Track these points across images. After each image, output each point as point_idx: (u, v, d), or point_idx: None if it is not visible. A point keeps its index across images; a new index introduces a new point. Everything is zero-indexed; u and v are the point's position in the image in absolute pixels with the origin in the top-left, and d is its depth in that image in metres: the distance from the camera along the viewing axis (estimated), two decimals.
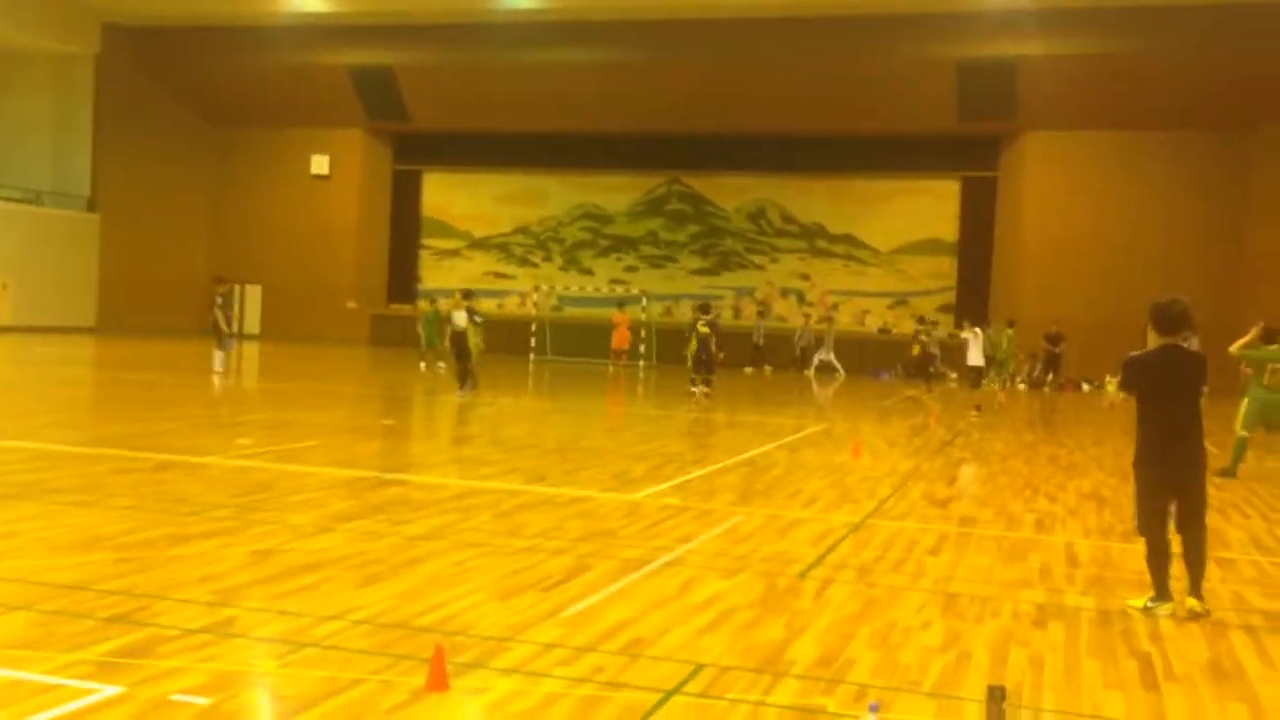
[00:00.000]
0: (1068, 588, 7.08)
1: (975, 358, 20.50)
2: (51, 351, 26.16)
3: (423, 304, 27.31)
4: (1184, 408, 6.52)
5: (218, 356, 21.35)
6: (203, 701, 4.48)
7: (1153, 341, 6.66)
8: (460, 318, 19.35)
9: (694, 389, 19.42)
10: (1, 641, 5.08)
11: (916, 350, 25.34)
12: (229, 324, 22.90)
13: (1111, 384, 24.98)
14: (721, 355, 20.76)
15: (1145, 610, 6.41)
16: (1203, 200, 30.57)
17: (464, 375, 18.92)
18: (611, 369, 29.97)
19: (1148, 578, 6.60)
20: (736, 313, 35.08)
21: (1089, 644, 5.85)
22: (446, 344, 21.80)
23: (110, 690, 4.54)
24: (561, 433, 15.66)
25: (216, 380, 20.36)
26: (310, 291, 37.70)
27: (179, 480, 9.63)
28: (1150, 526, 6.56)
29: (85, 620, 5.46)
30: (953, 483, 11.70)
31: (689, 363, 20.22)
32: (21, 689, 4.51)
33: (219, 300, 22.27)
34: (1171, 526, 6.58)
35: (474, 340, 19.22)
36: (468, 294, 20.05)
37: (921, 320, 27.28)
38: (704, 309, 20.73)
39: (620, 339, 31.01)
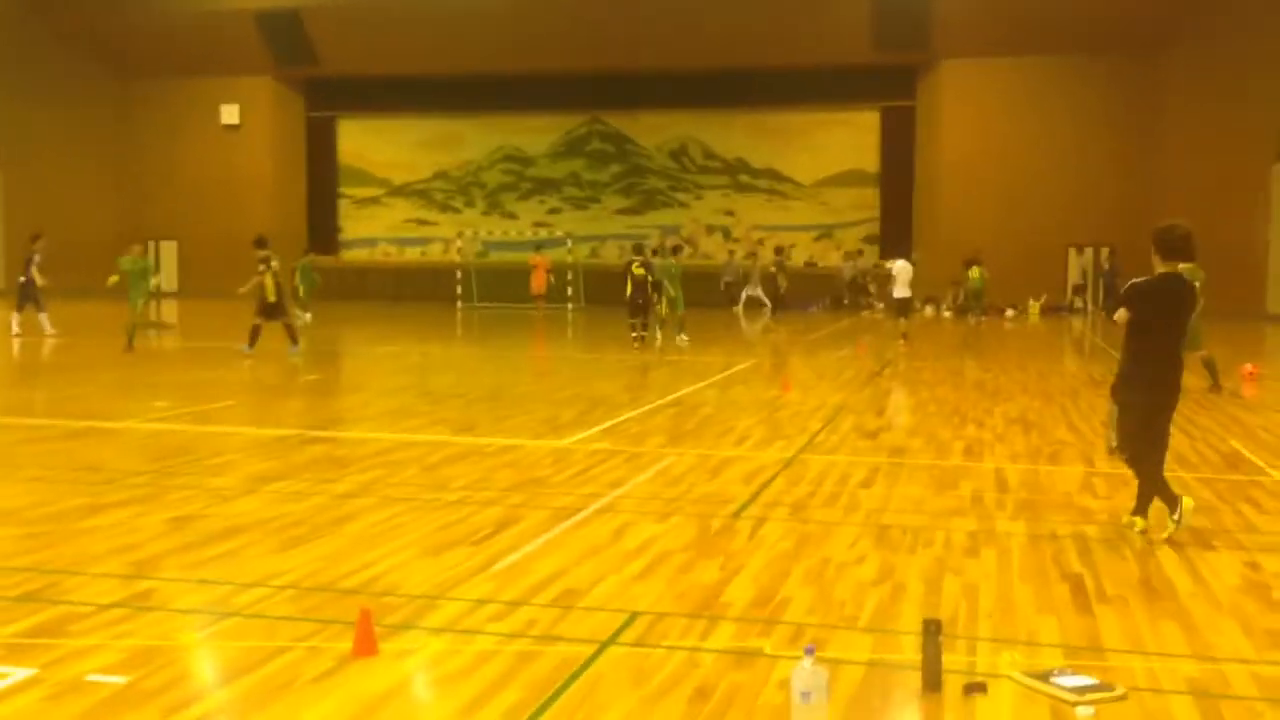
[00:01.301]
0: (998, 514, 7.13)
1: (902, 289, 20.62)
2: None
3: (305, 259, 26.92)
4: (1177, 335, 6.58)
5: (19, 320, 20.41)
6: (119, 680, 4.29)
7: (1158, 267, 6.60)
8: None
9: (633, 333, 19.23)
10: None
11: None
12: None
13: (1035, 307, 25.58)
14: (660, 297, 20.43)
15: (1175, 523, 6.38)
16: (1115, 125, 30.96)
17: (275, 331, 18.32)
18: (536, 313, 29.70)
19: (1084, 501, 6.66)
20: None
21: (1021, 569, 5.89)
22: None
23: (21, 673, 4.34)
24: (489, 380, 15.46)
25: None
26: (227, 245, 36.60)
27: (92, 447, 9.30)
28: (1139, 446, 6.57)
29: None
30: (882, 413, 11.76)
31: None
32: None
33: (35, 258, 21.15)
34: None
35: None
36: (260, 243, 18.40)
37: (849, 254, 27.59)
38: (637, 249, 20.50)
39: (539, 282, 30.72)
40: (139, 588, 5.46)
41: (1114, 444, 6.77)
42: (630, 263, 19.73)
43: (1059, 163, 31.12)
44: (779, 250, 29.87)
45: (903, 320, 20.77)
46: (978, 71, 31.74)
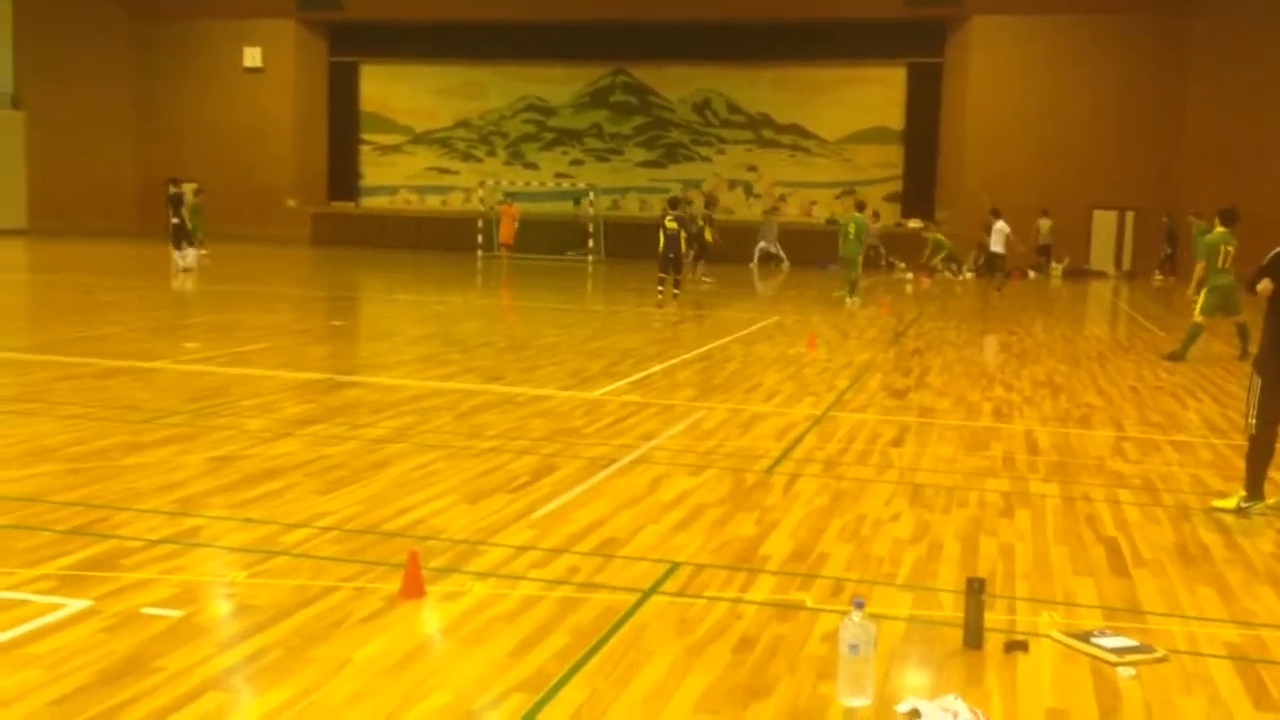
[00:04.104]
0: (1031, 475, 7.16)
1: (997, 246, 22.22)
2: None
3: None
4: None
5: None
6: (174, 614, 4.38)
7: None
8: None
9: (660, 288, 19.06)
10: None
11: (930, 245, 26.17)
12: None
13: (1057, 270, 25.30)
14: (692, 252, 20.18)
15: (1239, 511, 6.21)
16: (1145, 83, 30.56)
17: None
18: (503, 262, 29.49)
19: (1116, 465, 6.67)
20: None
21: (1056, 531, 5.92)
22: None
23: (77, 604, 4.43)
24: (514, 330, 15.50)
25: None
26: (248, 190, 36.68)
27: (127, 386, 9.39)
28: (1268, 424, 6.19)
29: (43, 534, 5.31)
30: (909, 373, 11.76)
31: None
32: None
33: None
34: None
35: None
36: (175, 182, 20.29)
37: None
38: (672, 204, 20.22)
39: (507, 231, 30.59)
40: (186, 525, 5.54)
41: (1254, 429, 6.26)
42: (664, 215, 19.45)
43: (1086, 123, 30.77)
44: (709, 201, 29.05)
45: (997, 275, 22.23)
46: (1008, 28, 31.35)
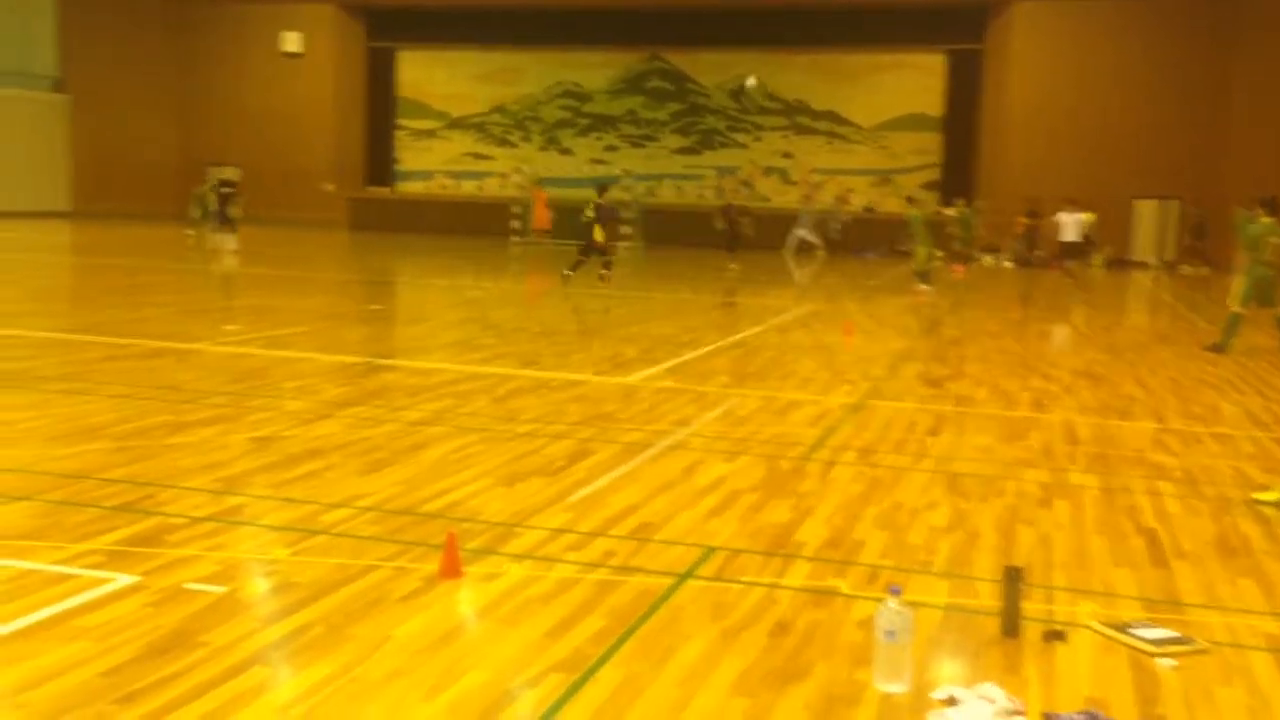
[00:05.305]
0: (1070, 466, 7.12)
1: (1071, 235, 22.89)
2: (27, 237, 25.68)
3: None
4: None
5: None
6: (218, 590, 4.45)
7: None
8: None
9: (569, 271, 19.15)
10: (8, 532, 5.03)
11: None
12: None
13: (1097, 259, 24.99)
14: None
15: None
16: (1188, 70, 30.15)
17: None
18: (540, 247, 29.48)
19: (1157, 457, 6.62)
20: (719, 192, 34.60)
21: (1095, 522, 5.89)
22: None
23: (124, 579, 4.51)
24: (548, 316, 15.55)
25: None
26: (286, 174, 36.97)
27: (170, 367, 9.51)
28: None
29: (91, 510, 5.40)
30: (945, 362, 11.70)
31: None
32: (34, 579, 4.47)
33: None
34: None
35: None
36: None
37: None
38: (599, 191, 20.03)
39: (541, 217, 30.62)
40: (229, 503, 5.62)
41: None
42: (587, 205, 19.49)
43: (1129, 109, 30.40)
44: (601, 188, 28.33)
45: (1070, 263, 22.62)
46: (1050, 13, 31.00)
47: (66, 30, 35.26)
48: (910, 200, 24.34)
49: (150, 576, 4.55)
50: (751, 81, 25.11)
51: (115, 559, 4.74)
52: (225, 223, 23.83)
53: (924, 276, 19.61)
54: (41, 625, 4.03)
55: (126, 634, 3.98)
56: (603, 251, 19.14)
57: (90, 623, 4.07)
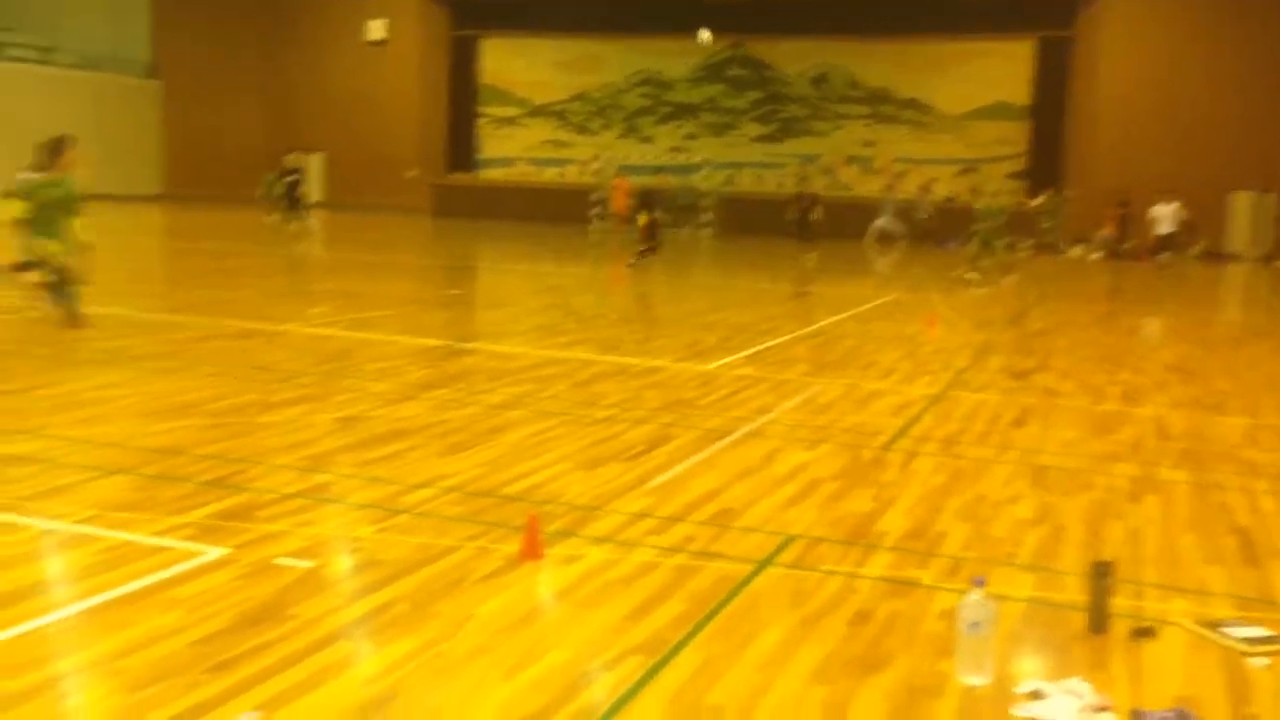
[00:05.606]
0: (1161, 461, 6.95)
1: (1166, 226, 22.60)
2: (121, 220, 26.42)
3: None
4: None
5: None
6: (306, 565, 4.55)
7: None
8: None
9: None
10: (107, 504, 5.19)
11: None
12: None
13: (1195, 250, 24.48)
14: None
15: None
16: None
17: None
18: (615, 233, 29.51)
19: (1250, 454, 6.45)
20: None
21: (1186, 518, 5.75)
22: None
23: (215, 552, 4.63)
24: (627, 302, 15.59)
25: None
26: (370, 160, 37.54)
27: (260, 347, 9.73)
28: None
29: (184, 484, 5.55)
30: (1031, 354, 11.50)
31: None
32: (131, 550, 4.62)
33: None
34: None
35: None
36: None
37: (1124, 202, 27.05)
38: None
39: (619, 203, 30.61)
40: (316, 480, 5.74)
41: None
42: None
43: (1220, 102, 29.49)
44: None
45: (1164, 255, 22.38)
46: (1142, 1, 30.19)
47: (160, 17, 36.14)
48: (973, 192, 23.92)
49: (241, 550, 4.66)
50: (705, 36, 25.49)
51: (207, 532, 4.87)
52: (292, 208, 24.00)
53: (977, 266, 19.31)
54: (138, 595, 4.16)
55: (218, 605, 4.09)
56: (645, 237, 19.24)
57: (184, 594, 4.19)
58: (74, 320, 10.01)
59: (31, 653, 3.67)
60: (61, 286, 10.03)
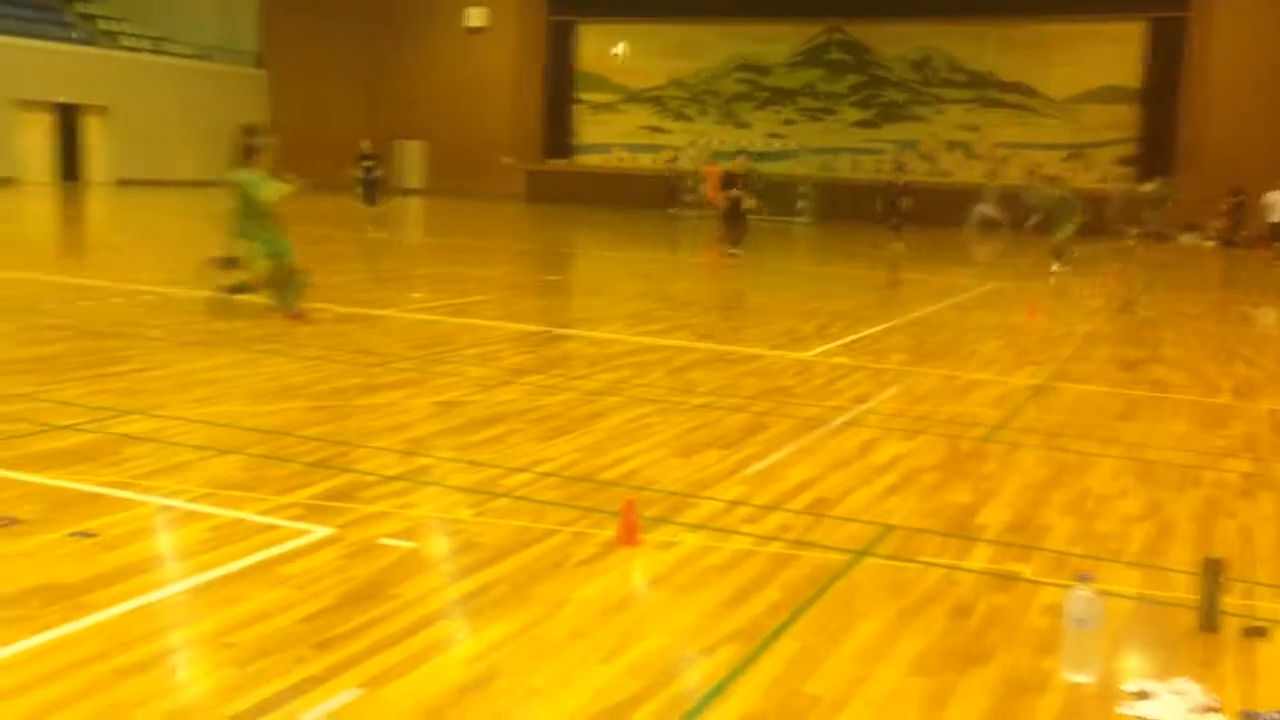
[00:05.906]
0: (1275, 457, 6.71)
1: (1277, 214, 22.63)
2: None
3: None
4: None
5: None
6: (408, 545, 4.64)
7: None
8: None
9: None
10: (221, 483, 5.36)
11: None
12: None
13: None
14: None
15: None
16: None
17: None
18: (705, 220, 29.34)
19: None
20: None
21: None
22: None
23: (321, 531, 4.74)
24: (723, 289, 15.55)
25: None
26: (468, 147, 37.99)
27: (360, 331, 9.94)
28: None
29: (291, 464, 5.70)
30: (1139, 344, 11.18)
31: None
32: (243, 528, 4.76)
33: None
34: None
35: None
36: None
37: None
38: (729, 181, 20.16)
39: (712, 191, 30.36)
40: (416, 463, 5.85)
41: None
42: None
43: None
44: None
45: (1277, 244, 22.20)
46: None
47: (268, 7, 37.01)
48: (1052, 179, 23.12)
49: (345, 530, 4.77)
50: (619, 50, 25.35)
51: (314, 512, 4.99)
52: (370, 194, 24.10)
53: (1060, 254, 18.76)
54: (247, 571, 4.29)
55: (324, 583, 4.19)
56: (728, 219, 19.18)
57: (291, 571, 4.30)
58: (295, 315, 10.22)
59: (146, 625, 3.80)
60: (285, 281, 10.29)
